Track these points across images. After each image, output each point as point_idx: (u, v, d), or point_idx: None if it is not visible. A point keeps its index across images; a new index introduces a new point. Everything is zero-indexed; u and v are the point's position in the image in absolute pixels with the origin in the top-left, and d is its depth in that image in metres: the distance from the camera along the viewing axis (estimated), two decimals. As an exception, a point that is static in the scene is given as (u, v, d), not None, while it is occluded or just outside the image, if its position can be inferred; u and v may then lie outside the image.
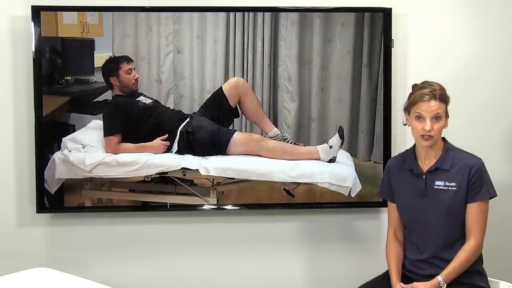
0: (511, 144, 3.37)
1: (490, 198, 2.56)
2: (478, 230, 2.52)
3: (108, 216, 3.22)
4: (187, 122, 3.17)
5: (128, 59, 3.13)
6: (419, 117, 2.51)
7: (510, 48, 3.35)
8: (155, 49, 3.16)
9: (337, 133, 3.20)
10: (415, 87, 2.59)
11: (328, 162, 3.20)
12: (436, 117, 2.49)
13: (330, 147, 3.20)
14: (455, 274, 2.50)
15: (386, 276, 2.67)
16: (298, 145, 3.22)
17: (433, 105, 2.48)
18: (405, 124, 2.64)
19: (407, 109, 2.58)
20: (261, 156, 3.18)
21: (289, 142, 3.22)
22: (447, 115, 2.55)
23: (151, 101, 3.17)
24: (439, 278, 2.49)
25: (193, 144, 3.16)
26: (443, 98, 2.52)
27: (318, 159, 3.20)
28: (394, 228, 2.73)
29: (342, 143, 3.21)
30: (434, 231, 2.56)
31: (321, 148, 3.21)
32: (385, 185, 2.77)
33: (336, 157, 3.20)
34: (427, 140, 2.51)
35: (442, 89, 2.53)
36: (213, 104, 3.19)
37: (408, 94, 2.60)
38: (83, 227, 3.24)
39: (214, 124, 3.18)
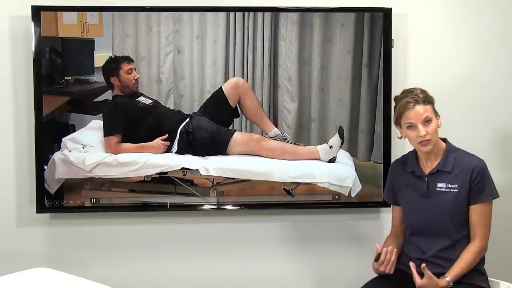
0: (509, 144, 3.38)
1: (493, 199, 2.55)
2: (483, 231, 2.52)
3: (108, 216, 3.22)
4: (187, 122, 3.17)
5: (128, 59, 3.13)
6: (411, 126, 2.50)
7: (510, 48, 3.35)
8: (155, 49, 3.16)
9: (337, 133, 3.20)
10: (397, 98, 2.59)
11: (328, 162, 3.20)
12: (426, 121, 2.49)
13: (330, 147, 3.20)
14: (461, 275, 2.49)
15: (386, 276, 2.66)
16: (298, 145, 3.22)
17: (420, 110, 2.48)
18: (401, 137, 2.63)
19: (397, 122, 2.57)
20: (261, 156, 3.18)
21: (289, 142, 3.22)
22: (437, 115, 2.55)
23: (151, 101, 3.17)
24: (448, 279, 2.46)
25: (193, 144, 3.16)
26: (427, 100, 2.51)
27: (318, 159, 3.20)
28: (396, 229, 2.76)
29: (342, 143, 3.21)
30: (437, 233, 2.56)
31: (321, 148, 3.21)
32: (388, 189, 2.78)
33: (336, 157, 3.20)
34: (426, 145, 2.51)
35: (423, 91, 2.53)
36: (213, 104, 3.19)
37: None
38: (83, 227, 3.24)
39: (214, 124, 3.18)
